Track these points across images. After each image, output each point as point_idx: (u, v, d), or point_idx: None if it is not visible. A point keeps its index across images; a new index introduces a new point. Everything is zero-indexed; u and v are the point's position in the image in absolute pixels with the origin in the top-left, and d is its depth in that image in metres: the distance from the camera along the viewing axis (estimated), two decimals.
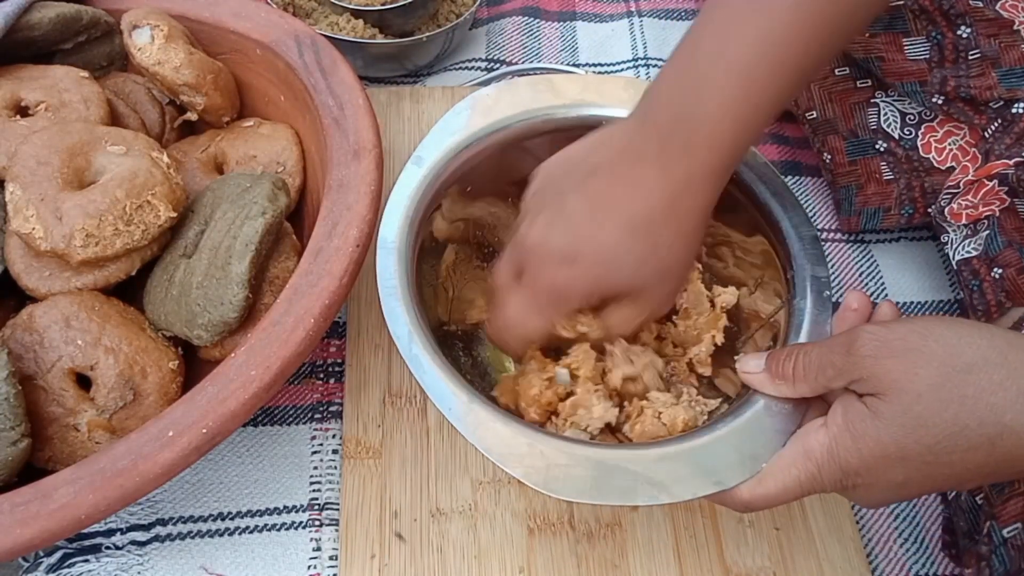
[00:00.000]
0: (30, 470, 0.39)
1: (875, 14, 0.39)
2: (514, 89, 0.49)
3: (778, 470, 0.35)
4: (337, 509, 0.46)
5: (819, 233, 0.45)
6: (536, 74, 0.70)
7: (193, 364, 0.45)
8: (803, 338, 0.41)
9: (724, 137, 0.37)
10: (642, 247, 0.38)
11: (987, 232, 0.51)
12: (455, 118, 0.47)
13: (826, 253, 0.59)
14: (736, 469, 0.36)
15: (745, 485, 0.36)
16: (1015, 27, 0.49)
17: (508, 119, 0.48)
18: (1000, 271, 0.50)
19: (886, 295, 0.59)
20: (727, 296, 0.46)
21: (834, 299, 0.43)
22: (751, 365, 0.39)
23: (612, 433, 0.42)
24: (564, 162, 0.42)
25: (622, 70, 0.72)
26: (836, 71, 0.59)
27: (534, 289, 0.40)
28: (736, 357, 0.40)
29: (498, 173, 0.49)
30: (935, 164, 0.56)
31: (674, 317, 0.46)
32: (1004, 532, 0.41)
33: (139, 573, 0.43)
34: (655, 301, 0.41)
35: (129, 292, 0.45)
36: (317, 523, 0.46)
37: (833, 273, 0.59)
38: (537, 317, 0.41)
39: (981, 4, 0.50)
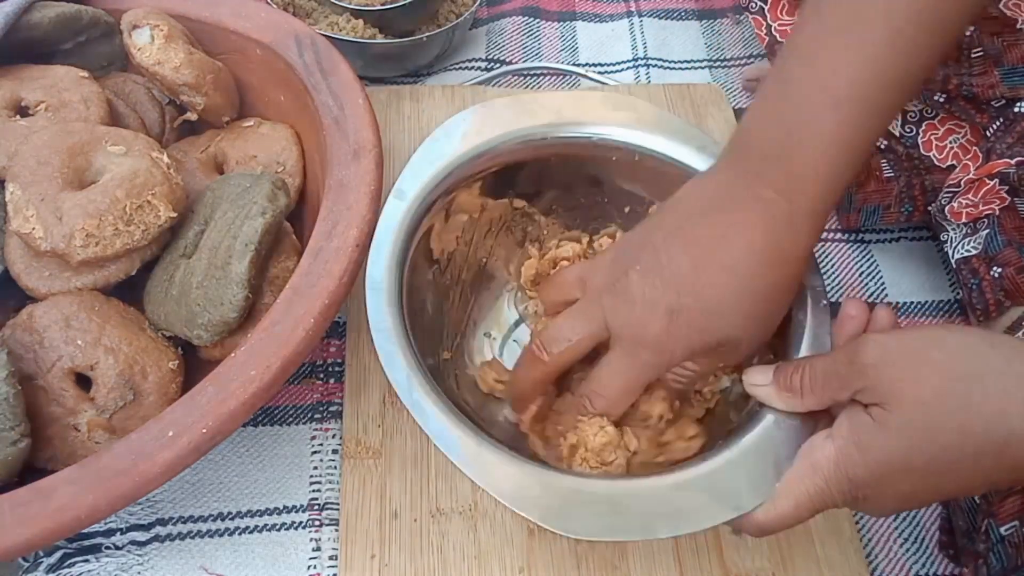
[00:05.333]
0: (30, 470, 0.39)
1: (971, 18, 0.36)
2: (492, 112, 0.48)
3: (789, 487, 0.35)
4: (337, 509, 0.46)
5: None
6: (536, 74, 0.70)
7: (193, 364, 0.45)
8: (804, 349, 0.40)
9: (823, 174, 0.35)
10: (748, 298, 0.37)
11: (987, 231, 0.51)
12: (434, 145, 0.46)
13: (826, 253, 0.60)
14: (752, 491, 0.35)
15: (760, 507, 0.35)
16: (1018, 26, 0.49)
17: (487, 143, 0.47)
18: (999, 270, 0.50)
19: (886, 295, 0.58)
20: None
21: (833, 300, 0.42)
22: (758, 378, 0.38)
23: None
24: (651, 215, 0.40)
25: (622, 70, 0.72)
26: None
27: (634, 346, 0.38)
28: (743, 370, 0.40)
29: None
30: (936, 162, 0.56)
31: None
32: (1002, 530, 0.41)
33: (139, 573, 0.43)
34: (747, 349, 0.39)
35: (129, 292, 0.45)
36: (317, 523, 0.46)
37: (833, 273, 0.59)
38: (639, 375, 0.39)
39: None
